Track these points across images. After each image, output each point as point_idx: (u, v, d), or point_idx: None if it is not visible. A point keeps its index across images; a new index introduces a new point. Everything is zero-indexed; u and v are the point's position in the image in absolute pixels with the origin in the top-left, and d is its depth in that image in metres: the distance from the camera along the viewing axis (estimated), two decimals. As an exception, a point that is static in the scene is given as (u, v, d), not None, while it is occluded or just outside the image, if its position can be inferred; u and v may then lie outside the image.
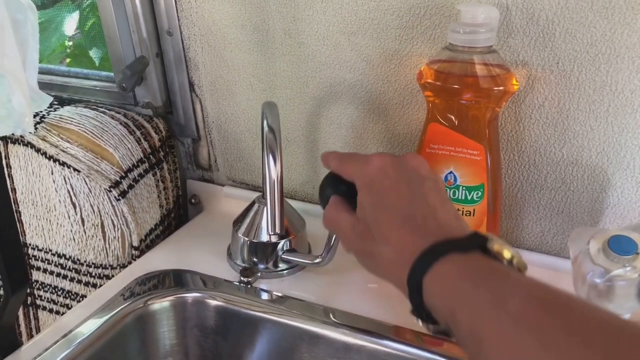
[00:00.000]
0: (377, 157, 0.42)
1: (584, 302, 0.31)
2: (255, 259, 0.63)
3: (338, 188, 0.45)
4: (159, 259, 0.66)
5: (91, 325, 0.55)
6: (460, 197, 0.54)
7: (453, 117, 0.52)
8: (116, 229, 0.66)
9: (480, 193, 0.54)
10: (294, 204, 0.67)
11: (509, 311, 0.30)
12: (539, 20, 0.52)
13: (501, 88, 0.51)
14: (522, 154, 0.58)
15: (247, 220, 0.63)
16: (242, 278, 0.61)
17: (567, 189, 0.58)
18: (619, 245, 0.45)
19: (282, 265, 0.63)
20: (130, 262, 0.68)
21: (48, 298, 0.74)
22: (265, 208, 0.62)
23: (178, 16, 0.67)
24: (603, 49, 0.51)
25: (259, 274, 0.62)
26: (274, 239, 0.61)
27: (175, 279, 0.62)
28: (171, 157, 0.73)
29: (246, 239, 0.62)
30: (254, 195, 0.65)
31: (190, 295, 0.60)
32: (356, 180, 0.42)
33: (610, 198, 0.57)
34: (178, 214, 0.76)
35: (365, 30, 0.59)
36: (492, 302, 0.31)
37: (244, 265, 0.63)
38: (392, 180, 0.40)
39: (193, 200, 0.77)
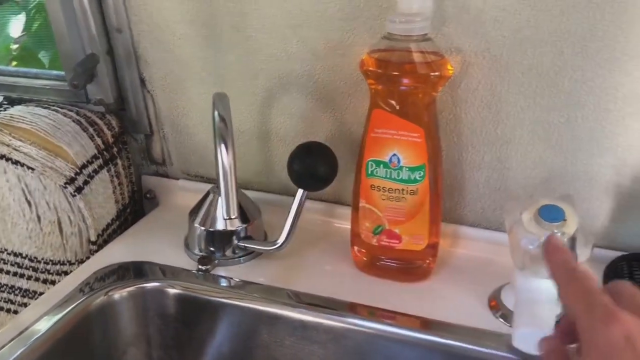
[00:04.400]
0: (622, 319, 0.32)
1: None
2: (212, 248, 0.65)
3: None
4: (116, 253, 0.67)
5: (50, 320, 0.56)
6: (404, 177, 0.57)
7: (394, 103, 0.55)
8: (73, 224, 0.67)
9: (422, 173, 0.57)
10: (249, 193, 0.69)
11: None
12: (469, 9, 0.56)
13: (437, 73, 0.54)
14: (460, 135, 0.62)
15: (203, 210, 0.65)
16: (200, 266, 0.63)
17: (503, 166, 0.62)
18: (548, 214, 0.49)
19: (239, 253, 0.65)
20: (88, 257, 0.69)
21: (5, 298, 0.74)
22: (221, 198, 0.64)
23: (126, 13, 0.68)
24: (528, 34, 0.55)
25: (217, 262, 0.64)
26: (229, 225, 0.63)
27: (134, 271, 0.63)
28: (125, 153, 0.74)
29: (202, 228, 0.64)
30: (209, 187, 0.66)
31: (150, 285, 0.62)
32: (587, 337, 0.34)
33: (542, 173, 0.61)
34: (134, 208, 0.77)
35: (310, 23, 0.62)
36: None
37: (201, 254, 0.65)
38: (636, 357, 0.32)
39: (148, 195, 0.78)
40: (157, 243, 0.68)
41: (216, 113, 0.53)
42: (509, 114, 0.59)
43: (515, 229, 0.51)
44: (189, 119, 0.73)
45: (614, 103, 0.56)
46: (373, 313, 0.58)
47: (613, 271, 0.57)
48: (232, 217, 0.54)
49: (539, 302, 0.51)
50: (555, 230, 0.48)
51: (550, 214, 0.49)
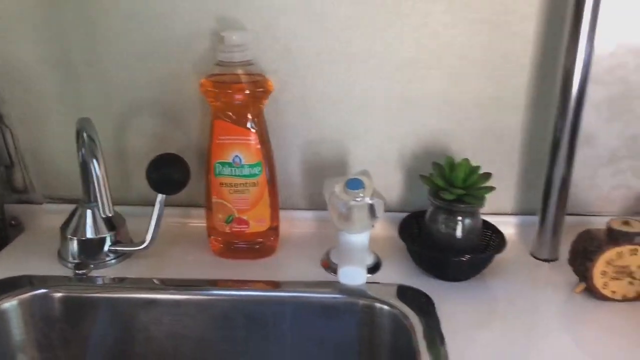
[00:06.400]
0: None
1: None
2: (84, 256, 0.74)
3: None
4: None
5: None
6: (246, 173, 0.72)
7: (231, 114, 0.70)
8: (-56, 253, 0.71)
9: (259, 168, 0.72)
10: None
11: None
12: (279, 40, 0.73)
13: (261, 90, 0.71)
14: (285, 139, 0.79)
15: (73, 223, 0.74)
16: (77, 271, 0.72)
17: (322, 159, 0.80)
18: (353, 185, 0.67)
19: (111, 256, 0.75)
20: (-38, 283, 0.73)
21: None
22: (88, 211, 0.73)
23: (-21, 56, 0.75)
24: (326, 57, 0.74)
25: (92, 266, 0.73)
26: (99, 232, 0.73)
27: (13, 284, 0.70)
28: (-14, 185, 0.80)
29: (75, 239, 0.73)
30: (73, 207, 0.75)
31: (33, 293, 0.69)
32: None
33: (351, 161, 0.80)
34: None
35: (155, 55, 0.74)
36: None
37: (76, 261, 0.73)
38: None
39: (13, 222, 0.84)
40: (28, 262, 0.75)
41: (84, 134, 0.64)
42: (320, 119, 0.78)
43: (332, 198, 0.68)
44: (50, 147, 0.81)
45: (391, 103, 0.76)
46: (232, 285, 0.71)
47: (405, 226, 0.76)
48: (109, 214, 0.64)
49: (355, 250, 0.69)
50: (358, 196, 0.67)
51: (354, 184, 0.67)
